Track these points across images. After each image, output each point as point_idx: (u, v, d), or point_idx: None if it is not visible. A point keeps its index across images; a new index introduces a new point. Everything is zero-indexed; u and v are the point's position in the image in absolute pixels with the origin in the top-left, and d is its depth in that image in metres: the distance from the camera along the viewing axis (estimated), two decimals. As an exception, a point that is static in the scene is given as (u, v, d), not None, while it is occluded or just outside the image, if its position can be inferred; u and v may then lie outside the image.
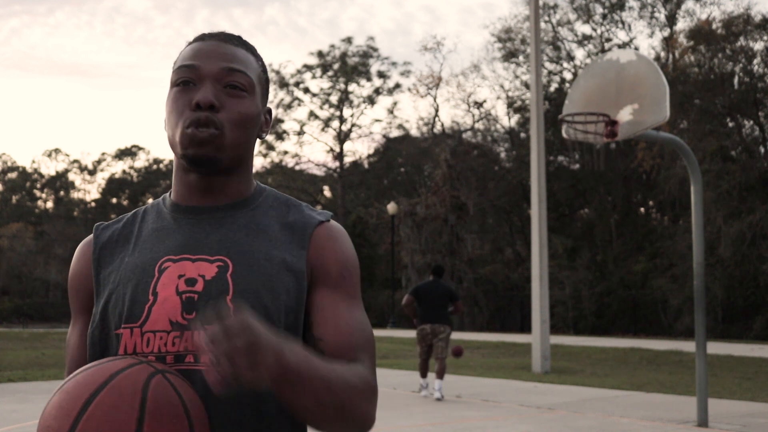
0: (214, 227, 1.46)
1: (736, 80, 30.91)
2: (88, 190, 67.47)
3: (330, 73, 46.99)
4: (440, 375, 11.12)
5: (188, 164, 1.44)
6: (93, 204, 65.59)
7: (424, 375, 11.55)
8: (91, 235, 1.56)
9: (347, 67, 46.39)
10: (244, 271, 1.41)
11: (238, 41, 1.52)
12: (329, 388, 1.26)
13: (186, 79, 1.46)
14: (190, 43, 1.53)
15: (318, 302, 1.44)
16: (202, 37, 1.53)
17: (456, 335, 22.42)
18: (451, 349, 12.04)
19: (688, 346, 19.02)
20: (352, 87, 46.96)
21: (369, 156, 48.75)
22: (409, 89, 44.49)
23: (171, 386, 1.28)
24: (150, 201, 1.58)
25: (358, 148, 77.80)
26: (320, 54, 46.97)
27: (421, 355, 11.47)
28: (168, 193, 1.56)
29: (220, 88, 1.45)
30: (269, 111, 1.58)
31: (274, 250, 1.45)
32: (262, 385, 1.15)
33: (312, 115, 47.18)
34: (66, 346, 1.57)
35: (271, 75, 46.74)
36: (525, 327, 29.92)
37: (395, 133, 47.60)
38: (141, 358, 1.32)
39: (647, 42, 60.74)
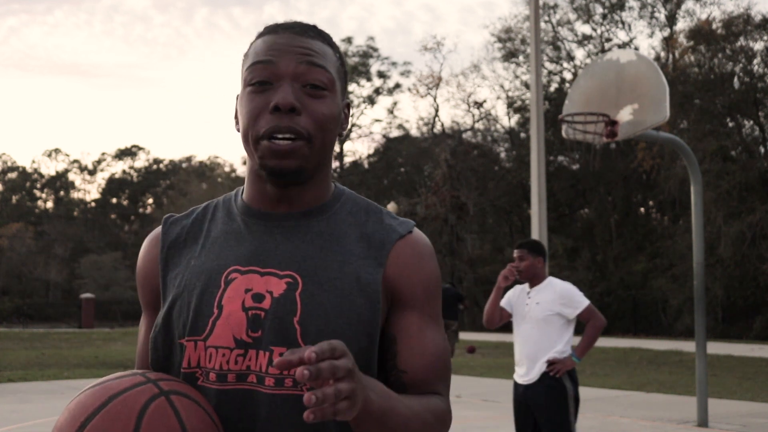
0: (285, 237, 1.36)
1: (736, 80, 30.91)
2: (88, 190, 67.52)
3: (330, 73, 47.00)
4: (450, 354, 13.62)
5: (268, 175, 1.33)
6: (93, 204, 65.61)
7: None
8: (159, 229, 1.46)
9: (347, 67, 46.42)
10: (315, 290, 1.31)
11: (314, 32, 1.39)
12: (406, 426, 1.27)
13: (262, 79, 1.33)
14: (260, 35, 1.40)
15: (402, 328, 1.36)
16: (275, 29, 1.39)
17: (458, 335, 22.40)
18: (465, 347, 16.11)
19: (688, 346, 19.01)
20: (352, 87, 46.96)
21: (369, 156, 48.76)
22: (409, 89, 44.47)
23: (173, 412, 1.21)
24: (220, 197, 1.52)
25: (358, 148, 77.81)
26: (320, 54, 46.97)
27: None
28: (240, 190, 1.45)
29: (299, 87, 1.33)
30: (348, 105, 1.46)
31: (348, 265, 1.34)
32: (346, 419, 1.12)
33: (312, 115, 47.17)
34: (138, 333, 1.54)
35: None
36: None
37: (395, 133, 47.62)
38: (151, 376, 1.26)
39: (647, 42, 60.74)
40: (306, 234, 1.36)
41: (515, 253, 5.38)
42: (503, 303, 5.46)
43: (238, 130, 1.39)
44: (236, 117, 1.41)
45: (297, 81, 1.32)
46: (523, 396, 5.23)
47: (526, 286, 5.42)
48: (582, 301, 5.25)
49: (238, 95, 1.41)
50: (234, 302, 1.31)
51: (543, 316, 5.19)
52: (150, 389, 1.22)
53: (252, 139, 1.32)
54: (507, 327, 5.87)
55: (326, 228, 1.37)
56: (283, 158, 1.30)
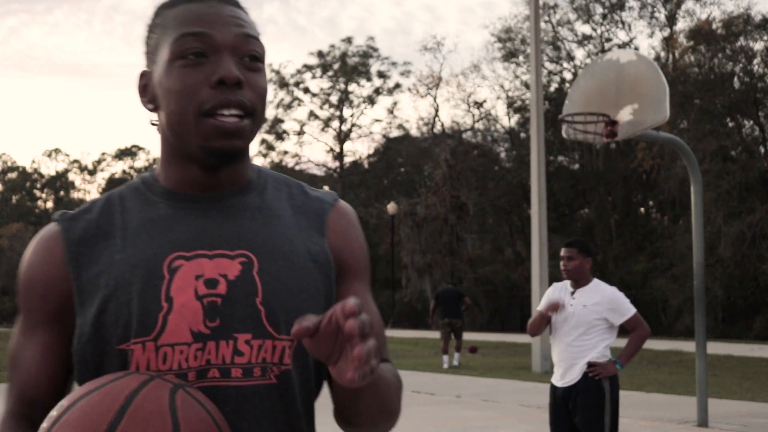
0: (225, 216, 1.25)
1: (736, 80, 30.90)
2: (88, 190, 67.51)
3: (330, 73, 47.00)
4: (458, 349, 16.34)
5: (208, 156, 1.22)
6: (93, 204, 65.56)
7: (445, 352, 16.02)
8: (53, 227, 1.27)
9: (347, 67, 46.39)
10: (271, 268, 1.23)
11: (235, 1, 1.29)
12: (389, 389, 1.27)
13: (198, 50, 1.21)
14: (174, 3, 1.27)
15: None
16: None
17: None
18: (467, 347, 17.33)
19: (688, 346, 19.00)
20: (352, 87, 46.98)
21: (369, 156, 48.76)
22: (409, 89, 44.50)
23: (197, 402, 1.11)
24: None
25: (358, 148, 77.85)
26: (320, 54, 46.99)
27: (443, 339, 16.02)
28: (148, 176, 1.32)
29: (237, 59, 1.22)
30: None
31: (295, 238, 1.27)
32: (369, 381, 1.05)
33: (312, 115, 47.19)
34: (12, 362, 1.26)
35: (271, 75, 46.75)
36: (525, 327, 29.82)
37: (395, 133, 47.63)
38: (147, 372, 1.14)
39: (647, 42, 60.78)
40: (245, 211, 1.26)
41: (564, 252, 5.26)
42: (541, 306, 5.38)
43: (152, 110, 1.28)
44: (147, 95, 1.29)
45: (235, 53, 1.22)
46: (561, 399, 5.18)
47: (567, 284, 5.31)
48: (630, 309, 5.21)
49: (144, 72, 1.29)
50: (185, 292, 1.18)
51: (589, 320, 5.11)
52: (163, 383, 1.10)
53: (192, 117, 1.19)
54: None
55: (262, 203, 1.29)
56: (230, 138, 1.19)
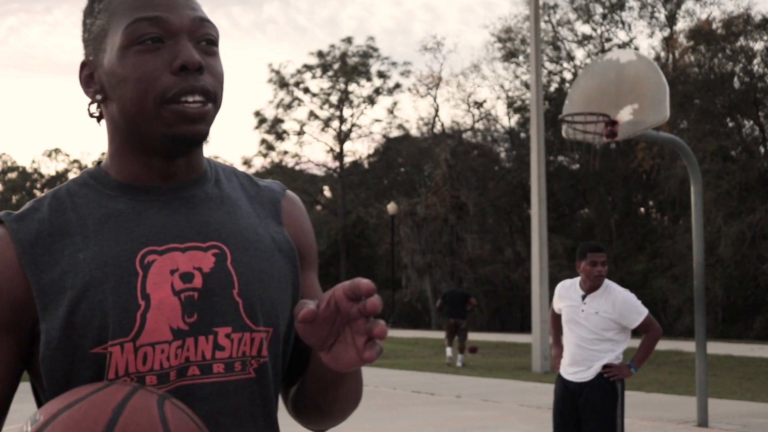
0: (190, 207, 1.21)
1: (736, 80, 30.91)
2: (88, 190, 67.46)
3: (330, 73, 46.98)
4: (462, 350, 16.86)
5: (172, 144, 1.17)
6: (93, 204, 65.64)
7: (450, 345, 16.96)
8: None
9: (347, 67, 46.38)
10: (243, 258, 1.20)
11: None
12: (357, 377, 1.25)
13: (155, 35, 1.16)
14: None
15: (307, 288, 1.30)
16: None
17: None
18: (468, 347, 18.16)
19: (688, 346, 19.00)
20: (352, 87, 46.94)
21: (369, 156, 48.73)
22: (409, 89, 44.47)
23: (185, 413, 1.08)
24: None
25: (358, 148, 77.83)
26: (320, 54, 46.97)
27: (448, 336, 16.98)
28: (96, 170, 1.26)
29: (194, 44, 1.18)
30: None
31: (259, 227, 1.25)
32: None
33: (312, 115, 47.16)
34: None
35: (271, 75, 46.80)
36: (525, 327, 29.91)
37: (395, 133, 47.59)
38: (127, 383, 1.08)
39: (647, 42, 60.76)
40: (207, 201, 1.23)
41: (599, 257, 5.13)
42: (554, 303, 5.38)
43: (100, 100, 1.22)
44: (93, 85, 1.23)
45: (192, 37, 1.18)
46: (571, 394, 5.14)
47: (576, 283, 5.23)
48: (642, 312, 5.17)
49: (86, 61, 1.23)
50: (161, 288, 1.13)
51: (602, 326, 5.08)
52: (149, 393, 1.06)
53: (154, 105, 1.15)
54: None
55: (221, 193, 1.25)
56: (194, 123, 1.15)
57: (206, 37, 1.20)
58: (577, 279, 5.29)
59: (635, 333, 5.27)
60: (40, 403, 1.21)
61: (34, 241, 1.16)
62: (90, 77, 1.23)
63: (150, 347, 1.12)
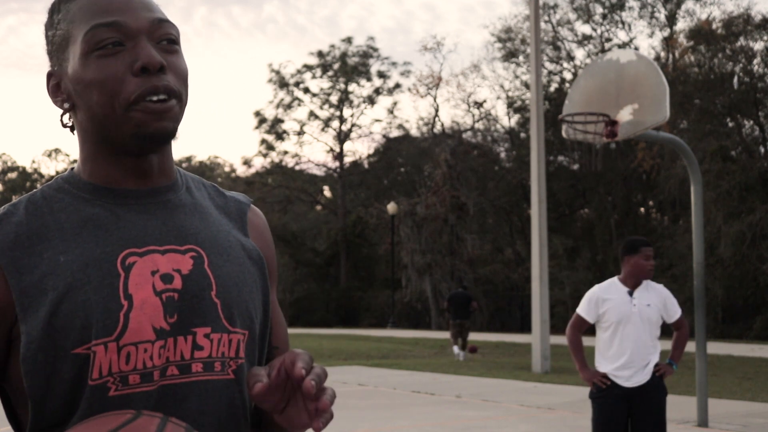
0: (166, 211, 1.24)
1: (736, 80, 30.91)
2: (88, 190, 67.48)
3: (330, 73, 47.01)
4: (463, 348, 18.34)
5: (142, 143, 1.19)
6: (93, 204, 65.59)
7: (455, 343, 18.45)
8: None
9: (347, 67, 46.39)
10: (219, 262, 1.23)
11: None
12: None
13: (115, 39, 1.18)
14: None
15: (268, 302, 1.33)
16: None
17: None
18: (468, 347, 19.13)
19: (688, 346, 19.01)
20: (352, 87, 46.97)
21: (369, 156, 48.74)
22: (409, 89, 44.48)
23: None
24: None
25: (358, 148, 77.80)
26: (320, 54, 46.99)
27: (453, 336, 18.54)
28: (69, 176, 1.27)
29: (154, 45, 1.20)
30: None
31: (230, 234, 1.28)
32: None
33: (312, 115, 47.19)
34: None
35: (271, 75, 46.82)
36: (525, 327, 29.92)
37: (395, 133, 47.62)
38: (127, 411, 1.10)
39: (647, 42, 60.80)
40: (181, 207, 1.25)
41: (650, 251, 5.10)
42: (587, 312, 5.21)
43: (68, 108, 1.24)
44: (60, 95, 1.24)
45: (151, 38, 1.20)
46: (624, 400, 5.04)
47: (614, 282, 5.17)
48: (678, 307, 5.24)
49: (52, 72, 1.25)
50: (143, 288, 1.15)
51: (654, 319, 5.07)
52: (150, 419, 1.07)
53: (121, 108, 1.17)
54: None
55: (192, 200, 1.28)
56: (161, 119, 1.17)
57: (166, 37, 1.21)
58: (612, 279, 5.23)
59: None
60: (8, 407, 1.22)
61: (13, 245, 1.17)
62: (57, 87, 1.25)
63: (133, 347, 1.13)
